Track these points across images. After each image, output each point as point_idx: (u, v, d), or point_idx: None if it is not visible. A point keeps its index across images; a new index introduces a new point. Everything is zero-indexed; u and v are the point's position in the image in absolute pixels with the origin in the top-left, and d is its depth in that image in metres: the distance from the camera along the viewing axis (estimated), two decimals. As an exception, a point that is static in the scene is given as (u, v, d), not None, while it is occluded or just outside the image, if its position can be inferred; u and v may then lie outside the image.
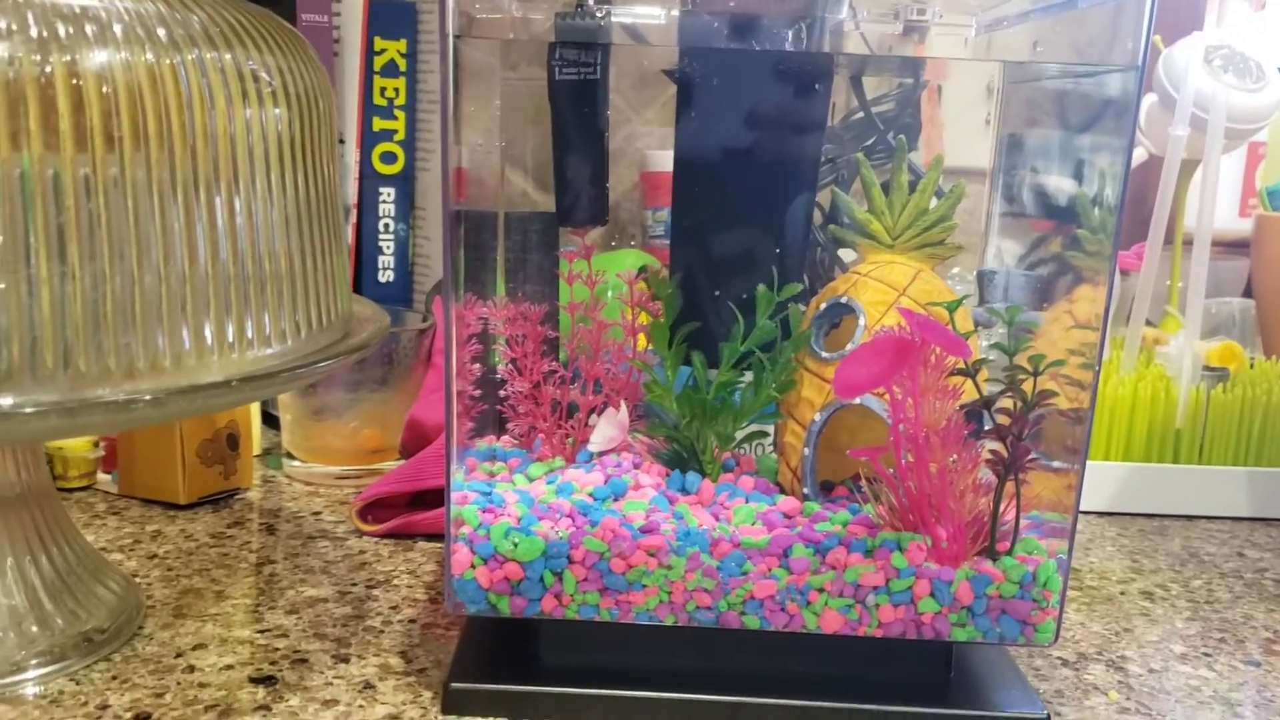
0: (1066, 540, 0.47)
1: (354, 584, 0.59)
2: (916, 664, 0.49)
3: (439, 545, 0.64)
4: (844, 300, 0.53)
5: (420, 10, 0.84)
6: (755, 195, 0.54)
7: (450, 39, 0.43)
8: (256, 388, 0.43)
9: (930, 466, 0.46)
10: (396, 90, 0.83)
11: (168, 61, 0.41)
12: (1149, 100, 0.87)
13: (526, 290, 0.58)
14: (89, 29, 0.39)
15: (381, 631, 0.54)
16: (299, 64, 0.48)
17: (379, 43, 0.82)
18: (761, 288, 0.53)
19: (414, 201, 0.86)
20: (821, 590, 0.46)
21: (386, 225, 0.85)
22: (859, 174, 0.55)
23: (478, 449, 0.56)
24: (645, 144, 0.92)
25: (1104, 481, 0.74)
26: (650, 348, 0.55)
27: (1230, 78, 0.82)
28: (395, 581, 0.59)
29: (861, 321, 0.52)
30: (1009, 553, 0.47)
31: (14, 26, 0.38)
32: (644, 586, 0.46)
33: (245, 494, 0.72)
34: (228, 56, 0.43)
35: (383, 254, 0.85)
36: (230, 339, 0.43)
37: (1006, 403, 0.48)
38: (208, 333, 0.42)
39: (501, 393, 0.56)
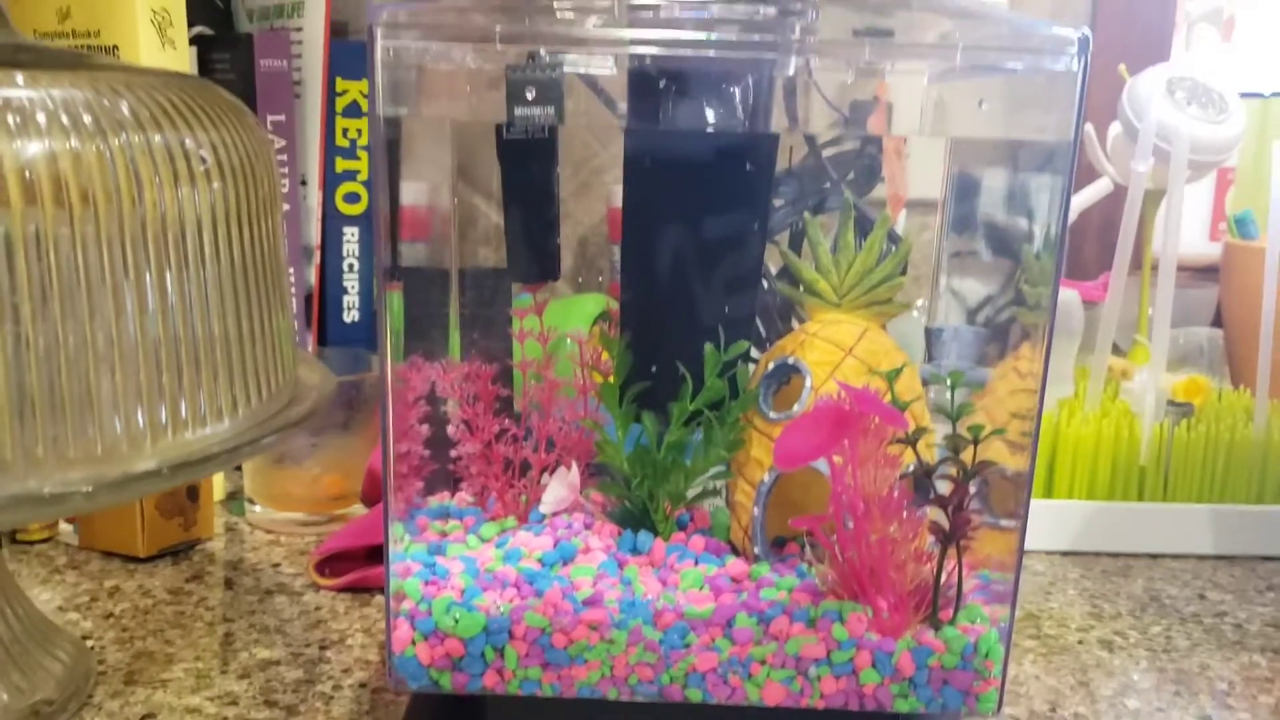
0: (1009, 606, 0.47)
1: (308, 644, 0.59)
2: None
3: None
4: (791, 361, 0.52)
5: (382, 50, 0.83)
6: (703, 257, 0.54)
7: (381, 122, 0.43)
8: (192, 472, 0.42)
9: (870, 536, 0.46)
10: (359, 131, 0.83)
11: (93, 148, 0.41)
12: (1114, 130, 0.87)
13: (479, 346, 0.58)
14: (11, 120, 0.39)
15: (331, 698, 0.54)
16: (235, 135, 0.48)
17: (340, 84, 0.82)
18: (709, 347, 0.53)
19: (378, 241, 0.86)
20: (763, 662, 0.46)
21: (351, 265, 0.85)
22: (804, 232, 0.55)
23: (429, 508, 0.56)
24: (612, 178, 0.92)
25: (1067, 521, 0.74)
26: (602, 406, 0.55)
27: (1194, 109, 0.82)
28: (349, 641, 0.59)
29: (808, 382, 0.52)
30: (951, 621, 0.47)
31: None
32: (586, 661, 0.46)
33: (206, 544, 0.71)
34: (157, 138, 0.43)
35: (347, 294, 0.85)
36: (164, 421, 0.43)
37: (951, 467, 0.48)
38: (140, 417, 0.42)
39: (453, 453, 0.56)
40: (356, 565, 0.66)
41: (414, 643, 0.46)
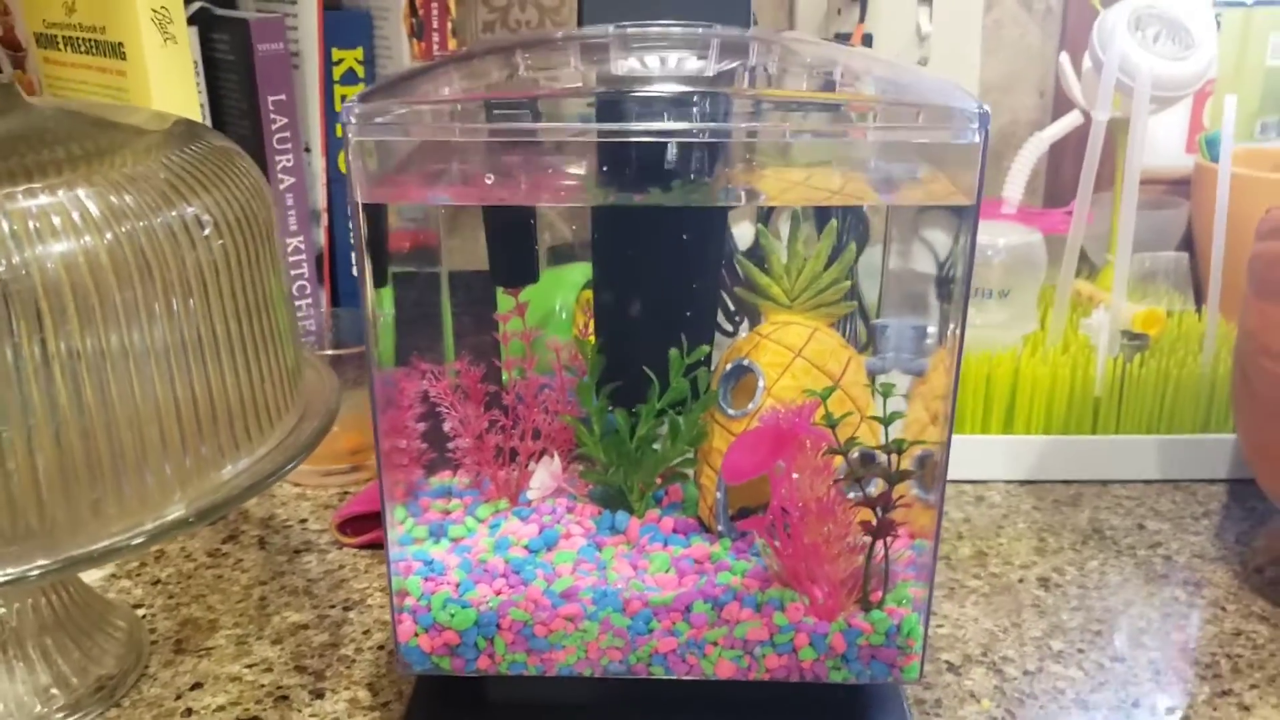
0: (927, 589, 0.54)
1: (332, 605, 0.67)
2: (808, 685, 0.57)
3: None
4: (745, 362, 0.58)
5: (375, 17, 0.87)
6: (666, 287, 0.60)
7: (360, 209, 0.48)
8: (218, 513, 0.50)
9: (805, 537, 0.53)
10: (356, 96, 0.87)
11: (103, 240, 0.46)
12: (1088, 62, 0.89)
13: (468, 344, 0.64)
14: (32, 225, 0.45)
15: (354, 661, 0.62)
16: (231, 186, 0.53)
17: (336, 53, 0.86)
18: (673, 351, 0.59)
19: (381, 198, 0.91)
20: (716, 644, 0.53)
21: (357, 223, 0.90)
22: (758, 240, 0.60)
23: (432, 489, 0.63)
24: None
25: (1024, 454, 0.81)
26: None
27: (1160, 45, 0.85)
28: (369, 601, 0.67)
29: (761, 383, 0.58)
30: (880, 604, 0.54)
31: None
32: (564, 646, 0.54)
33: (240, 500, 0.79)
34: (159, 220, 0.48)
35: (355, 251, 0.91)
36: (189, 467, 0.50)
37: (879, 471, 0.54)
38: (167, 469, 0.49)
39: (450, 445, 0.62)
40: (375, 524, 0.74)
41: (416, 635, 0.54)
